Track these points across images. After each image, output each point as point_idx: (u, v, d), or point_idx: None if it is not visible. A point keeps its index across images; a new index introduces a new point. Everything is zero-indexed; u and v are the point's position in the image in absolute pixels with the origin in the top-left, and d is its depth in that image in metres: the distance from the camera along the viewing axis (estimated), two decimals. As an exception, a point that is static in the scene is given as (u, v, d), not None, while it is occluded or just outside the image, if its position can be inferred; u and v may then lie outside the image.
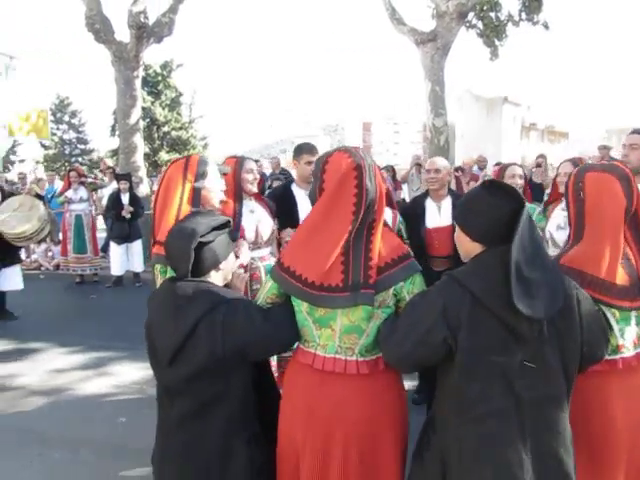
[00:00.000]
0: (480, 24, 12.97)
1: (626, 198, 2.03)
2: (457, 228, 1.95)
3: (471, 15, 12.40)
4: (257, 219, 3.60)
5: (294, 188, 4.10)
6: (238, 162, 3.56)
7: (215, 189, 2.74)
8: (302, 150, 4.06)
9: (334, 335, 2.01)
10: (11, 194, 7.21)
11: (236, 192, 3.48)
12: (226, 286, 2.28)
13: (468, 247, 1.90)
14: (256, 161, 3.77)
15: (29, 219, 6.65)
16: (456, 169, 10.18)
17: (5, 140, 13.36)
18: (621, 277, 2.03)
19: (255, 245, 3.56)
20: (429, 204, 4.25)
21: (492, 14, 12.76)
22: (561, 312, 1.78)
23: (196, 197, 2.62)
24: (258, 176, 3.68)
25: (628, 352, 2.09)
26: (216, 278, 2.18)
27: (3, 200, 6.82)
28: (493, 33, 12.86)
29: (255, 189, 3.61)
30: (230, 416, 2.09)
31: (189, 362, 2.03)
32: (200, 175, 2.64)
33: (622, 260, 2.06)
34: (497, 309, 1.74)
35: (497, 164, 10.07)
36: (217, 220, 2.20)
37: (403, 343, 1.85)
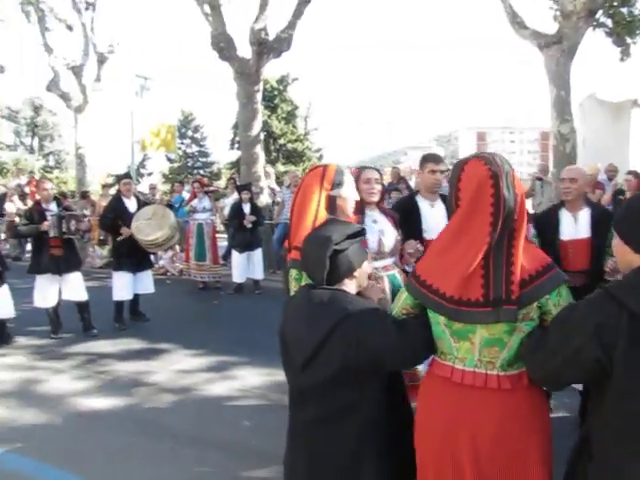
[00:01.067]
0: (609, 22, 12.18)
1: None
2: (616, 238, 1.79)
3: (599, 13, 11.69)
4: (380, 229, 3.56)
5: (418, 199, 4.04)
6: (357, 172, 3.56)
7: (350, 198, 2.78)
8: (427, 159, 4.02)
9: (473, 348, 1.95)
10: (145, 203, 7.73)
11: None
12: (359, 294, 2.27)
13: (630, 259, 1.72)
14: (377, 170, 3.73)
15: (161, 227, 7.08)
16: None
17: (137, 155, 14.28)
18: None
19: (378, 255, 3.53)
20: (564, 215, 4.03)
21: (624, 10, 11.93)
22: None
23: (332, 205, 2.68)
24: (378, 186, 3.63)
25: None
26: (350, 286, 2.19)
27: (139, 209, 7.32)
28: (625, 30, 12.01)
29: (374, 199, 3.57)
30: (362, 425, 2.08)
31: (322, 369, 2.05)
32: (337, 184, 2.70)
33: None
34: None
35: (630, 172, 9.38)
36: (351, 228, 2.22)
37: (549, 362, 1.75)
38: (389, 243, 3.58)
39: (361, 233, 2.25)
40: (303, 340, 2.10)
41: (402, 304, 2.13)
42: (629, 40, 12.27)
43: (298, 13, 11.69)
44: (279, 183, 13.02)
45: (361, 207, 3.47)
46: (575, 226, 3.95)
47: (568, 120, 10.05)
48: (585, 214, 3.96)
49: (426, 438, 2.06)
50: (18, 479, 3.69)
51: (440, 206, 3.93)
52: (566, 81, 10.12)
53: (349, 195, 2.78)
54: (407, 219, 3.82)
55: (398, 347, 2.03)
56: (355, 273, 2.18)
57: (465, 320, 1.91)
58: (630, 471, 1.62)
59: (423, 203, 3.98)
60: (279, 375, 5.44)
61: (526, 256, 1.93)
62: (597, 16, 11.50)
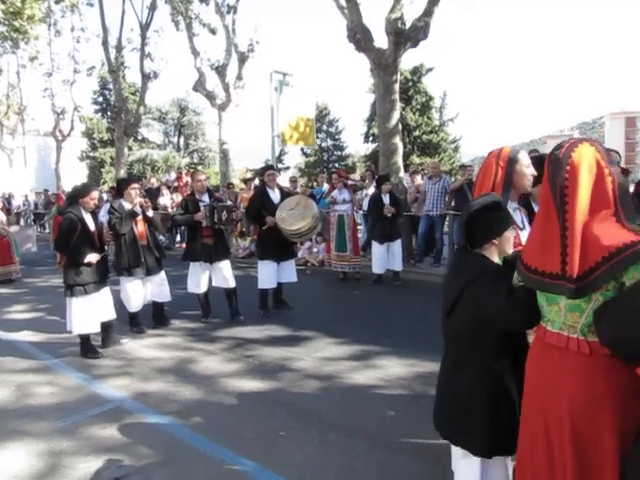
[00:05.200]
0: None
1: None
2: None
3: None
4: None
5: None
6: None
7: (525, 173, 2.90)
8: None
9: (560, 312, 2.13)
10: (289, 194, 7.94)
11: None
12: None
13: None
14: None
15: (304, 217, 7.24)
16: None
17: (276, 148, 14.77)
18: None
19: None
20: None
21: None
22: None
23: (507, 180, 2.84)
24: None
25: None
26: (490, 251, 2.54)
27: (282, 200, 7.53)
28: None
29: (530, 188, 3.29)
30: (478, 372, 2.51)
31: (455, 321, 2.57)
32: (511, 160, 2.85)
33: None
34: None
35: None
36: (490, 199, 2.54)
37: (616, 329, 1.90)
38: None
39: (500, 205, 2.52)
40: (447, 295, 2.60)
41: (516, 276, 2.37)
42: None
43: (435, 0, 11.40)
44: (415, 174, 12.82)
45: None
46: None
47: None
48: None
49: (525, 392, 2.32)
50: (187, 451, 3.94)
51: None
52: None
53: (524, 170, 2.88)
54: None
55: (506, 310, 2.31)
56: (494, 240, 2.51)
57: (547, 290, 2.12)
58: None
59: None
60: (422, 366, 5.40)
61: (605, 234, 1.96)
62: None
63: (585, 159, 2.03)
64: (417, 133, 31.95)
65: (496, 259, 2.56)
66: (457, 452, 2.76)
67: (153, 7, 20.55)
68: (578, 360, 2.07)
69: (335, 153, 41.35)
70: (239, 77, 18.97)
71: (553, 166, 2.08)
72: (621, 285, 1.95)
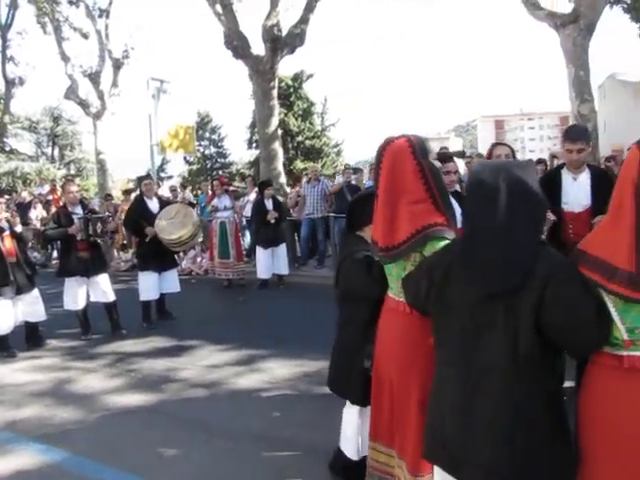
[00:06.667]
0: (627, -2, 11.96)
1: None
2: None
3: (616, -10, 11.51)
4: None
5: (563, 172, 4.30)
6: None
7: None
8: (564, 136, 4.30)
9: (394, 280, 2.56)
10: (168, 203, 7.80)
11: None
12: None
13: None
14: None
15: (184, 225, 7.15)
16: (607, 159, 9.49)
17: (157, 157, 14.42)
18: (628, 261, 1.73)
19: None
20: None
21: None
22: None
23: None
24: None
25: None
26: (367, 234, 2.84)
27: (161, 209, 7.39)
28: (643, 7, 11.81)
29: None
30: (355, 336, 2.97)
31: (339, 289, 3.09)
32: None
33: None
34: None
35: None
36: (370, 192, 2.81)
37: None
38: None
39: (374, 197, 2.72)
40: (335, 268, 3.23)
41: None
42: (648, 16, 12.03)
43: (310, 7, 11.70)
44: (298, 179, 13.05)
45: None
46: None
47: (588, 100, 9.88)
48: None
49: (376, 350, 2.80)
50: (64, 475, 3.76)
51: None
52: (584, 61, 9.95)
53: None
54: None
55: (364, 282, 2.89)
56: (367, 226, 2.82)
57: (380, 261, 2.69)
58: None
59: (566, 176, 4.25)
60: (307, 366, 5.52)
61: (412, 217, 2.41)
62: (614, -7, 11.32)
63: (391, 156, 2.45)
64: (300, 138, 32.39)
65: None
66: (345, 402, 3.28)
67: (14, 6, 19.21)
68: (402, 320, 2.52)
69: (219, 160, 40.87)
70: (114, 84, 18.27)
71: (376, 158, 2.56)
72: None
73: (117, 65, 18.21)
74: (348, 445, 3.24)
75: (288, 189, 11.92)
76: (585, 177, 4.18)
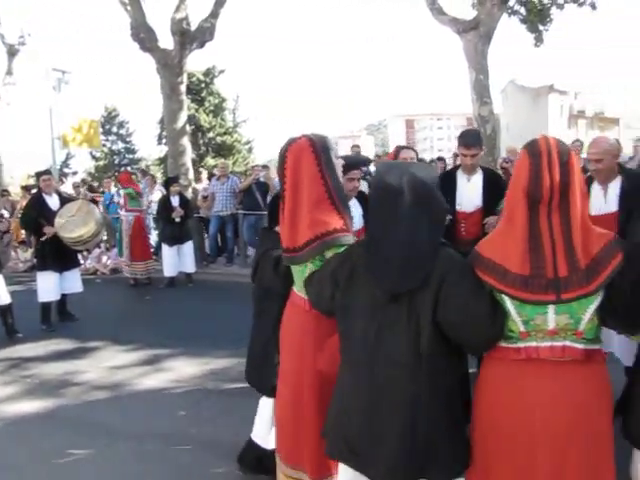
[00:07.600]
0: (523, 9, 12.65)
1: (530, 178, 1.86)
2: None
3: (513, 1, 12.13)
4: None
5: (458, 173, 4.44)
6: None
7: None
8: (458, 142, 4.39)
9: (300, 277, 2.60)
10: (68, 200, 7.44)
11: None
12: None
13: None
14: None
15: (86, 223, 6.86)
16: (505, 160, 10.02)
17: (59, 152, 13.77)
18: (520, 265, 1.86)
19: None
20: (595, 187, 4.06)
21: (535, -2, 12.40)
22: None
23: None
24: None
25: (537, 342, 1.89)
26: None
27: (62, 206, 7.05)
28: (537, 18, 12.49)
29: None
30: (266, 330, 3.02)
31: (255, 284, 3.20)
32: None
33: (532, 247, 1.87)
34: None
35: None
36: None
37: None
38: None
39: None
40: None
41: None
42: (541, 27, 12.77)
43: (220, 1, 11.54)
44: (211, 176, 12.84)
45: None
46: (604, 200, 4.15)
47: (487, 103, 10.40)
48: (615, 186, 4.11)
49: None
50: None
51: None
52: (484, 66, 10.47)
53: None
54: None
55: (273, 278, 2.91)
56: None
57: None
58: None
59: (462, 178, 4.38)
60: (214, 364, 5.48)
61: (315, 221, 2.45)
62: (511, 4, 11.96)
63: (293, 156, 2.47)
64: (211, 135, 31.89)
65: None
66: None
67: None
68: (304, 316, 2.56)
69: (127, 156, 39.55)
70: (9, 72, 17.25)
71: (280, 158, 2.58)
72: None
73: (12, 52, 17.19)
74: (260, 435, 3.30)
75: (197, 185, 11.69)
76: (478, 179, 4.37)
